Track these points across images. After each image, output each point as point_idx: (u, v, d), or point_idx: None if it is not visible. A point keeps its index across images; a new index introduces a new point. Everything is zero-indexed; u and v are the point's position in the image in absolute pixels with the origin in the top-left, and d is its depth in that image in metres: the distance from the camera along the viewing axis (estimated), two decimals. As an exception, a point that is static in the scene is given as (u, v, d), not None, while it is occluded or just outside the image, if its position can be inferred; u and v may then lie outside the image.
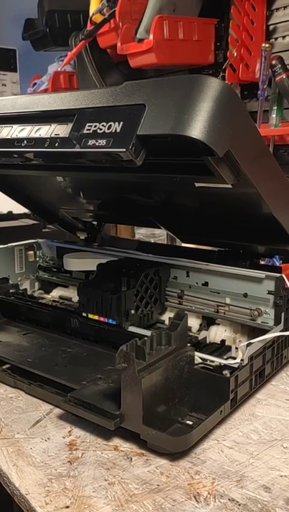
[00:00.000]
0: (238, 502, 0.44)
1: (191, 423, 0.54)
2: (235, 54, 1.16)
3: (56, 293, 0.94)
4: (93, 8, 1.30)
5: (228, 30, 1.20)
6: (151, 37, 1.15)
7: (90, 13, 1.30)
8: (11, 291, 0.89)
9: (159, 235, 1.44)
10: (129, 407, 0.51)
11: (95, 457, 0.50)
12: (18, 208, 1.44)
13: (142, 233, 1.45)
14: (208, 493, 0.45)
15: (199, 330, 0.76)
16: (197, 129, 0.45)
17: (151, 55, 1.17)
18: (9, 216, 1.46)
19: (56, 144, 0.54)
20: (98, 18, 1.29)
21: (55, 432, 0.55)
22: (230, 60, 1.17)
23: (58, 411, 0.59)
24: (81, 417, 0.54)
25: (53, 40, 1.59)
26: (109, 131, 0.50)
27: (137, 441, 0.52)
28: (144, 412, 0.50)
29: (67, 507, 0.43)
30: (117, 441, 0.53)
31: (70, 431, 0.55)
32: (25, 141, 0.58)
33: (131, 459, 0.50)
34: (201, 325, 0.76)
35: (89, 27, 1.31)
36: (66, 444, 0.52)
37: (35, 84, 1.68)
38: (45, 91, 1.62)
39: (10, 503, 1.30)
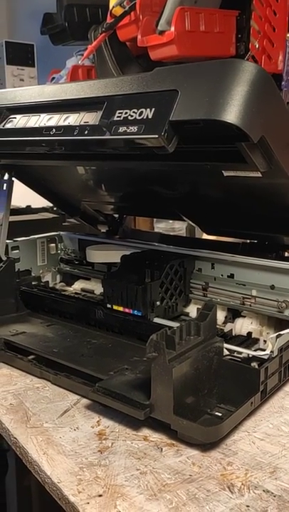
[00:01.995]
0: (272, 493, 0.43)
1: (220, 414, 0.53)
2: (257, 46, 1.15)
3: (78, 285, 0.93)
4: (113, 1, 1.29)
5: (250, 22, 1.19)
6: (172, 29, 1.13)
7: (110, 6, 1.30)
8: (33, 283, 0.89)
9: (179, 229, 1.43)
10: (159, 396, 0.51)
11: (125, 447, 0.50)
12: (37, 202, 1.44)
13: (161, 227, 1.44)
14: (242, 484, 0.45)
15: (224, 322, 0.75)
16: (232, 113, 0.45)
17: (173, 47, 1.15)
18: (28, 210, 1.47)
19: (86, 132, 0.54)
20: (118, 11, 1.28)
21: (83, 422, 0.54)
22: (252, 52, 1.15)
23: (85, 401, 0.59)
24: (110, 406, 0.54)
25: (72, 35, 1.58)
26: (141, 117, 0.50)
27: (166, 431, 0.52)
28: (174, 402, 0.50)
29: (100, 495, 0.43)
30: (146, 432, 0.53)
31: (98, 421, 0.55)
32: (53, 130, 0.57)
33: (161, 449, 0.50)
34: (226, 317, 0.76)
35: (109, 20, 1.30)
36: (95, 434, 0.52)
37: (53, 78, 1.68)
38: (64, 85, 1.61)
39: (29, 496, 1.30)
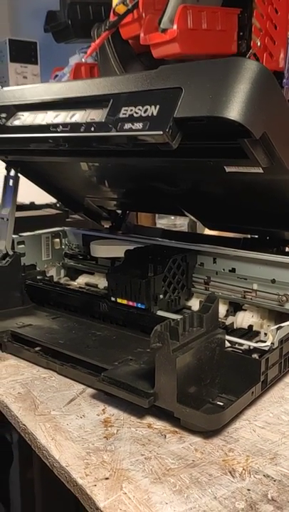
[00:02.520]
0: (273, 478, 0.45)
1: (221, 404, 0.54)
2: (258, 43, 1.16)
3: (82, 280, 0.95)
4: (116, -1, 1.30)
5: (252, 20, 1.20)
6: (175, 27, 1.14)
7: (113, 4, 1.31)
8: (38, 277, 0.90)
9: (181, 226, 1.44)
10: (163, 385, 0.52)
11: (130, 434, 0.52)
12: (40, 199, 1.45)
13: (163, 223, 1.46)
14: (243, 469, 0.46)
15: (226, 316, 0.77)
16: (235, 110, 0.46)
17: (175, 45, 1.16)
18: (32, 206, 1.48)
19: (92, 129, 0.55)
20: (121, 9, 1.29)
21: (89, 410, 0.56)
22: (254, 50, 1.16)
23: (90, 391, 0.60)
24: (115, 395, 0.56)
25: (75, 32, 1.59)
26: (146, 114, 0.51)
27: (170, 419, 0.53)
28: (178, 390, 0.51)
29: (107, 478, 0.45)
30: (150, 420, 0.54)
31: (103, 409, 0.56)
32: (60, 127, 0.59)
33: (165, 436, 0.51)
34: (227, 311, 0.77)
35: (112, 18, 1.31)
36: (101, 421, 0.54)
37: (56, 76, 1.69)
38: (67, 83, 1.62)
39: (32, 489, 1.32)
